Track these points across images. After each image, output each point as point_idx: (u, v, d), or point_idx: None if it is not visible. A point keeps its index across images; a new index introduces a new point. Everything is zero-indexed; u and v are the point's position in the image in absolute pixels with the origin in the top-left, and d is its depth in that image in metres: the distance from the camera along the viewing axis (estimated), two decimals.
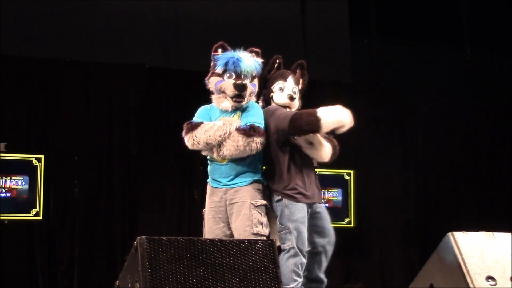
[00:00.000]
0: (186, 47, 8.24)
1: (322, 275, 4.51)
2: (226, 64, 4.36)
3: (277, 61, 4.61)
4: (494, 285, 4.49)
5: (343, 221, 8.16)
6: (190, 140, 4.23)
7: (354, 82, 9.04)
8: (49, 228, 7.53)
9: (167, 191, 8.05)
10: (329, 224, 4.54)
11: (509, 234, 4.83)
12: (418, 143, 9.30)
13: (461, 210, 9.15)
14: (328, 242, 4.53)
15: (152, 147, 8.09)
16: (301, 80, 4.63)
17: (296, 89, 4.54)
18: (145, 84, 8.19)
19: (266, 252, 3.46)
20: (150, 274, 3.21)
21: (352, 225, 8.22)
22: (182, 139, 4.31)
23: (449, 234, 4.66)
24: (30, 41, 7.64)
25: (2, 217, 6.85)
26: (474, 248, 4.61)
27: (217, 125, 4.22)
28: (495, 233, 4.76)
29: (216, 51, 4.44)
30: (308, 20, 8.74)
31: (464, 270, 4.48)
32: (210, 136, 4.18)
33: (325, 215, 4.54)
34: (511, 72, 9.48)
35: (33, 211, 6.96)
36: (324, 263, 4.53)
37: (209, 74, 4.42)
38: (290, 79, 4.54)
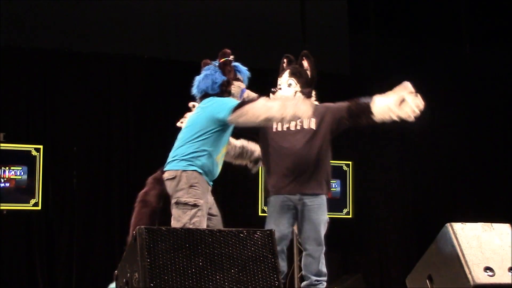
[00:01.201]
0: (186, 39, 8.22)
1: (311, 276, 4.44)
2: (247, 78, 4.49)
3: (284, 60, 4.68)
4: (492, 275, 4.50)
5: (342, 212, 8.16)
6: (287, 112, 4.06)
7: (352, 75, 9.03)
8: (47, 218, 7.54)
9: None
10: (309, 225, 4.43)
11: (507, 225, 4.83)
12: (417, 135, 9.29)
13: (459, 201, 9.16)
14: (306, 242, 4.45)
15: (151, 138, 8.08)
16: (309, 69, 4.62)
17: (292, 81, 4.55)
18: (144, 75, 8.18)
19: (265, 242, 3.45)
20: (149, 264, 3.20)
21: (350, 216, 8.23)
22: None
23: (448, 225, 4.67)
24: (29, 32, 7.62)
25: (1, 207, 6.84)
26: (472, 239, 4.62)
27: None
28: (493, 224, 4.77)
29: (229, 56, 4.44)
30: (307, 13, 8.72)
31: (463, 261, 4.48)
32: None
33: (309, 213, 4.43)
34: (510, 68, 9.47)
35: (32, 201, 6.95)
36: (313, 264, 4.44)
37: (232, 76, 4.40)
38: (285, 74, 4.58)
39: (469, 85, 9.43)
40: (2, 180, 6.85)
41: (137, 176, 7.95)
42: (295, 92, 4.52)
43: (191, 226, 4.06)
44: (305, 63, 4.61)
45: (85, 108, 7.87)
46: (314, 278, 4.43)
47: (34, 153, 6.97)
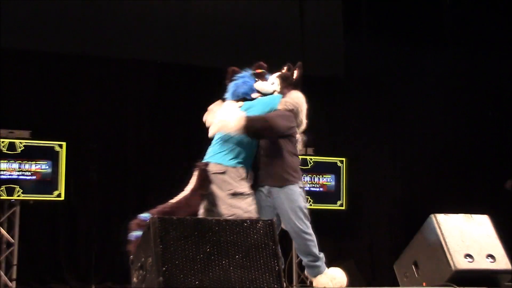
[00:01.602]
0: (197, 44, 8.22)
1: (303, 257, 4.43)
2: None
3: (284, 67, 4.73)
4: (471, 262, 4.53)
5: (336, 204, 8.19)
6: None
7: (346, 77, 9.02)
8: (69, 207, 7.60)
9: (177, 174, 8.07)
10: (282, 216, 4.39)
11: (485, 216, 4.87)
12: (406, 134, 9.30)
13: (443, 194, 9.16)
14: (288, 231, 4.43)
15: (163, 136, 8.12)
16: (294, 79, 4.68)
17: (276, 81, 4.62)
18: (157, 79, 8.21)
19: (266, 231, 3.48)
20: (161, 250, 3.24)
21: (344, 208, 8.25)
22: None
23: (432, 215, 4.71)
24: (51, 38, 7.64)
25: (27, 198, 6.91)
26: (454, 229, 4.65)
27: None
28: (473, 215, 4.80)
29: (265, 69, 4.69)
30: (305, 19, 8.69)
31: (445, 248, 4.52)
32: None
33: (278, 202, 4.41)
34: (493, 71, 9.43)
35: (55, 193, 6.99)
36: (301, 249, 4.41)
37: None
38: (275, 74, 4.66)
39: (456, 85, 9.38)
40: (29, 173, 6.91)
41: (150, 170, 8.00)
42: (274, 91, 4.59)
43: (248, 213, 4.19)
44: (296, 73, 4.68)
45: (104, 109, 7.91)
46: (307, 259, 4.41)
47: (57, 149, 7.00)
